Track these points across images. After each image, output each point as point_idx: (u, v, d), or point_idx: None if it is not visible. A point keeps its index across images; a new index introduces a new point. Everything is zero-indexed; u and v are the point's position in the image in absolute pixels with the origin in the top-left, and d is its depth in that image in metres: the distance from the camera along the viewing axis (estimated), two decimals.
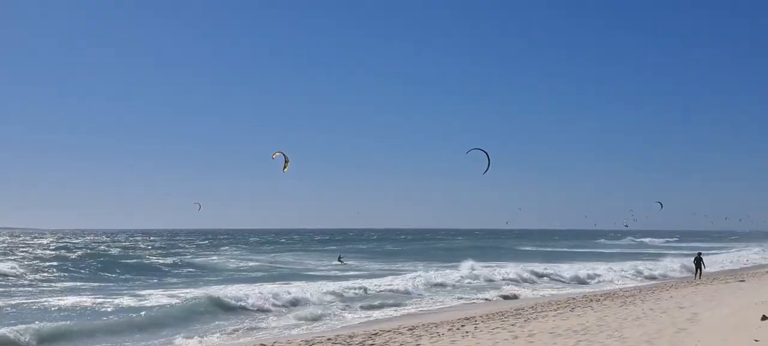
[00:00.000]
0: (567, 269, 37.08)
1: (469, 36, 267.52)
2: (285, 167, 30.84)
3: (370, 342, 14.62)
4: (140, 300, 24.47)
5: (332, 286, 27.25)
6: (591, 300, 23.07)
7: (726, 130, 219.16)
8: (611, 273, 37.59)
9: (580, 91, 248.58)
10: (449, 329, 16.11)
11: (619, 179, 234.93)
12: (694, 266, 36.60)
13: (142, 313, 20.40)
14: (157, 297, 25.67)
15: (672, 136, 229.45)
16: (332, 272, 41.80)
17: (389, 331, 16.49)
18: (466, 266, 38.16)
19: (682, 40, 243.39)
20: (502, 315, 19.65)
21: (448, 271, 36.04)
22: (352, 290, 27.03)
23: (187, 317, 20.64)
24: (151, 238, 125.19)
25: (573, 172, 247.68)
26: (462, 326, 16.76)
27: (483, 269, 37.70)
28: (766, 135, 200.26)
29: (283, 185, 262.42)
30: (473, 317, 18.82)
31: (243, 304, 22.98)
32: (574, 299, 24.27)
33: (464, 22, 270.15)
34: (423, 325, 17.64)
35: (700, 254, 36.85)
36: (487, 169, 27.19)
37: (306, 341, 15.34)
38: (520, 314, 19.83)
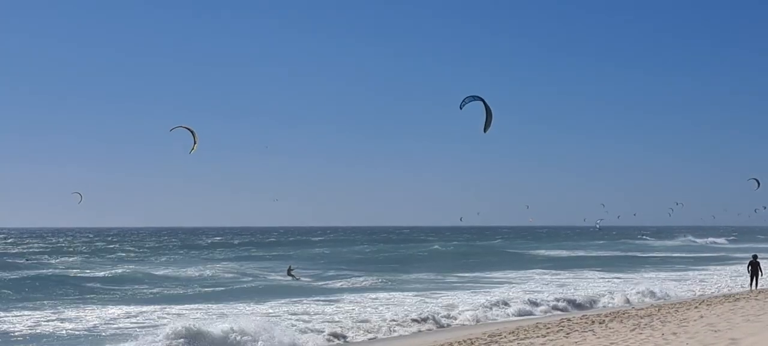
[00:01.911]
0: None
1: (447, 34, 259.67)
2: (192, 149, 24.92)
3: None
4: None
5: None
6: (592, 322, 19.50)
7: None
8: None
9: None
10: None
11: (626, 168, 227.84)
12: (748, 272, 32.04)
13: None
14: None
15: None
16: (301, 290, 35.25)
17: None
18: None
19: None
20: (472, 344, 17.66)
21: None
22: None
23: None
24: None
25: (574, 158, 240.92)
26: None
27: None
28: None
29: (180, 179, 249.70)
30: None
31: None
32: (569, 319, 19.02)
33: (445, 21, 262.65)
34: None
35: (756, 257, 30.19)
36: (488, 125, 20.68)
37: None
38: (496, 342, 17.50)
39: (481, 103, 22.41)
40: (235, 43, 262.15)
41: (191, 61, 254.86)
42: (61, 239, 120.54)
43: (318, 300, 28.61)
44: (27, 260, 60.26)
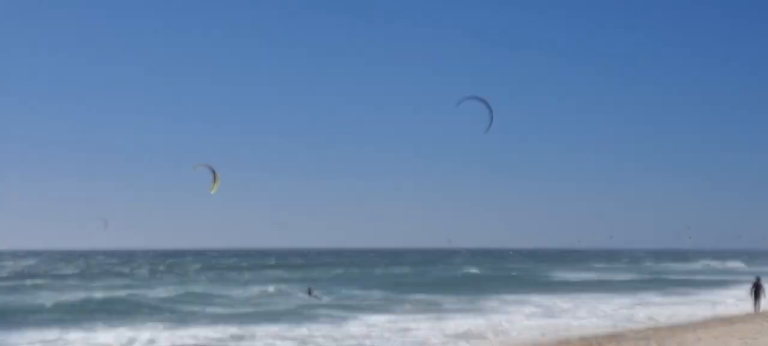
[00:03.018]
0: None
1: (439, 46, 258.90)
2: (212, 188, 25.18)
3: None
4: None
5: None
6: (590, 344, 17.59)
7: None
8: None
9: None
10: None
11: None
12: (751, 295, 32.30)
13: None
14: None
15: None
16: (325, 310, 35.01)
17: None
18: None
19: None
20: None
21: None
22: None
23: None
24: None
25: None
26: None
27: None
28: None
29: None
30: None
31: None
32: (568, 342, 18.73)
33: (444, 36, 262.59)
34: None
35: (759, 279, 30.49)
36: (490, 125, 21.40)
37: None
38: None
39: (481, 102, 23.06)
40: (238, 58, 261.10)
41: (197, 77, 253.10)
42: (78, 261, 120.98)
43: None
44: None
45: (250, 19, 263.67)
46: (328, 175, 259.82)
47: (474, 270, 79.15)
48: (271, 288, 50.48)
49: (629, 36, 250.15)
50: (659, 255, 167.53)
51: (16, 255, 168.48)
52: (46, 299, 39.82)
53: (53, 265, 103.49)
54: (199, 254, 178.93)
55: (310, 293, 44.05)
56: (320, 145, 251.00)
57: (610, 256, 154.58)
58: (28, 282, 59.39)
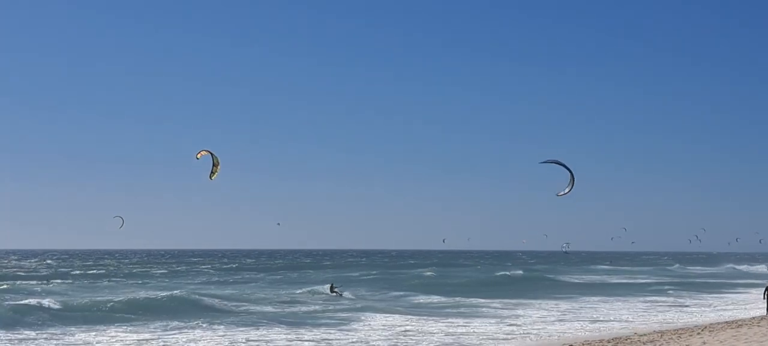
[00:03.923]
0: None
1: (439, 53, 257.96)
2: (213, 174, 25.00)
3: None
4: None
5: None
6: None
7: None
8: None
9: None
10: None
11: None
12: (764, 298, 32.15)
13: None
14: None
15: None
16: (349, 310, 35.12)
17: None
18: None
19: None
20: None
21: None
22: None
23: None
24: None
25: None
26: None
27: None
28: None
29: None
30: None
31: None
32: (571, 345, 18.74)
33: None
34: None
35: None
36: (569, 189, 21.02)
37: None
38: None
39: (566, 169, 22.75)
40: (247, 63, 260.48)
41: (200, 80, 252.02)
42: (88, 262, 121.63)
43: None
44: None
45: (251, 21, 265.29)
46: (325, 176, 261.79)
47: (504, 273, 77.99)
48: (293, 288, 50.30)
49: (644, 43, 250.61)
50: (674, 257, 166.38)
51: (13, 255, 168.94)
52: (80, 299, 39.10)
53: (66, 266, 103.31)
54: (203, 255, 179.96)
55: (332, 289, 45.28)
56: (321, 147, 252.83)
57: (621, 258, 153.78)
58: (57, 282, 58.76)
